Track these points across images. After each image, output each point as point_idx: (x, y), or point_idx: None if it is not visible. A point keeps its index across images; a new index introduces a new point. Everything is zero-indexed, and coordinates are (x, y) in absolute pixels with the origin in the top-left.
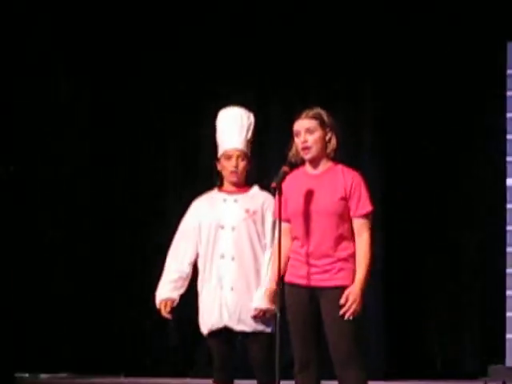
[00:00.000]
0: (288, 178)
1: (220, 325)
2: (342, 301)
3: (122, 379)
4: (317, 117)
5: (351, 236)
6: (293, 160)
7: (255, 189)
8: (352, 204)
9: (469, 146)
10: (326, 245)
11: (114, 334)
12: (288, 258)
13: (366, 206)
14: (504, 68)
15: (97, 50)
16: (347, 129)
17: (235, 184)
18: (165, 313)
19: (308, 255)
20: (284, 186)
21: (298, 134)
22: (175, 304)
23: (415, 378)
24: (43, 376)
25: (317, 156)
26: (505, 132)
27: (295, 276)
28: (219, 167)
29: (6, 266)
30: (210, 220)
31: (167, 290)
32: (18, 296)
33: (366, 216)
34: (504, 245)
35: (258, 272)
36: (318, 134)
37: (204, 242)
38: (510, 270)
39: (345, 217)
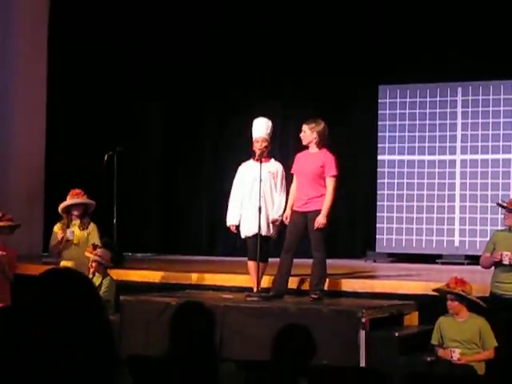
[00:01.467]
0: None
1: (255, 230)
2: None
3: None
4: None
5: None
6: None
7: (272, 160)
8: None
9: None
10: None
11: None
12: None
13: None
14: None
15: None
16: None
17: (261, 156)
18: (233, 230)
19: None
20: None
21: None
22: (237, 223)
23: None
24: (138, 255)
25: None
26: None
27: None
28: (253, 147)
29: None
30: (249, 176)
31: (233, 217)
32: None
33: (333, 176)
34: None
35: (273, 203)
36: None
37: (247, 188)
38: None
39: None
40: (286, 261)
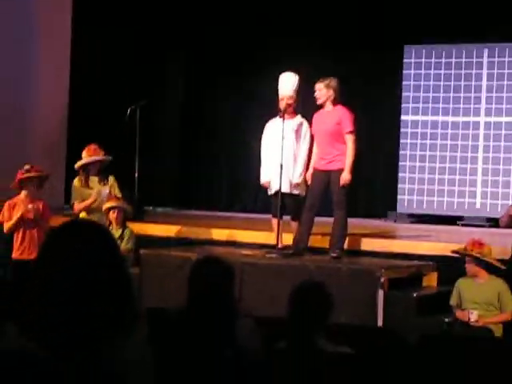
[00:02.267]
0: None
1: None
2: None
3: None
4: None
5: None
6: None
7: (298, 116)
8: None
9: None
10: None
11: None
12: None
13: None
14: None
15: None
16: None
17: (284, 113)
18: (266, 186)
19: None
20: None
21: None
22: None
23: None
24: (159, 209)
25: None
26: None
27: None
28: (279, 104)
29: None
30: (274, 133)
31: (265, 174)
32: None
33: (350, 132)
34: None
35: (295, 157)
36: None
37: (272, 145)
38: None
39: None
40: (307, 218)
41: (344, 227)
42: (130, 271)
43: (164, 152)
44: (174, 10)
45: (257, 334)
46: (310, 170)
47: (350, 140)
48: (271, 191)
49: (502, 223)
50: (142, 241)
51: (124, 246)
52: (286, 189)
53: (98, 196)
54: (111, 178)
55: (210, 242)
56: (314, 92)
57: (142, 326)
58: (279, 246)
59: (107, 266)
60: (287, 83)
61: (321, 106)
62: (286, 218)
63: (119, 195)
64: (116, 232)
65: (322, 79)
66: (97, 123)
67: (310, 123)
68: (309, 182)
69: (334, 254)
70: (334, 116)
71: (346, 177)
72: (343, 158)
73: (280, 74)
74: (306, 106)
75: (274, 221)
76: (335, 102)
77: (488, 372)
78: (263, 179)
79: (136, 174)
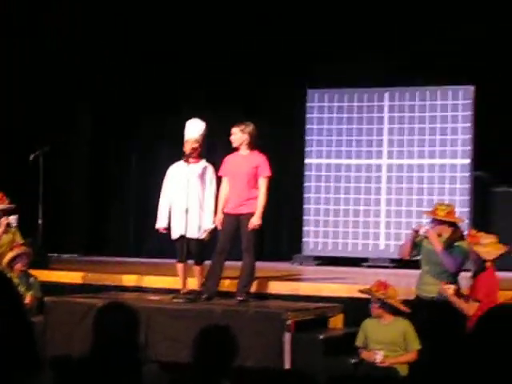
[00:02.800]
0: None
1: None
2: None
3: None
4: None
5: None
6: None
7: (203, 161)
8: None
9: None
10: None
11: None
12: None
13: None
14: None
15: None
16: None
17: (188, 157)
18: (162, 231)
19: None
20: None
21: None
22: (166, 226)
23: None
24: (64, 255)
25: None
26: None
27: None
28: (184, 148)
29: None
30: (178, 177)
31: (161, 220)
32: None
33: (266, 177)
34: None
35: (202, 205)
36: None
37: (175, 190)
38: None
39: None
40: (217, 263)
41: (251, 272)
42: (30, 319)
43: (70, 198)
44: (77, 57)
45: (162, 378)
46: (219, 215)
47: (263, 185)
48: (175, 236)
49: (403, 250)
50: (47, 288)
51: (33, 294)
52: (191, 234)
53: (6, 221)
54: (13, 218)
55: (117, 288)
56: (230, 136)
57: (45, 374)
58: (185, 290)
59: (6, 314)
60: (193, 128)
61: (236, 149)
62: (191, 262)
63: (21, 241)
64: (21, 280)
65: (238, 124)
66: None
67: (217, 167)
68: (219, 227)
69: (241, 298)
70: (250, 160)
71: (255, 221)
72: (254, 203)
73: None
74: (210, 151)
75: (179, 265)
76: (251, 147)
77: None
78: (159, 224)
79: (40, 221)
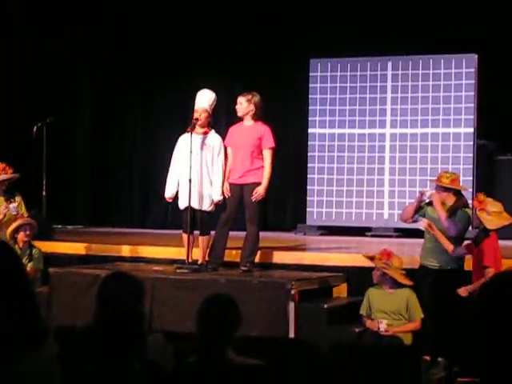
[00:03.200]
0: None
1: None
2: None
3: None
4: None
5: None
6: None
7: (212, 132)
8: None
9: None
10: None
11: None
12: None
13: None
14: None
15: None
16: None
17: (193, 127)
18: (168, 201)
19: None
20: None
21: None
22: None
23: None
24: (69, 227)
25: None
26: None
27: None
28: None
29: None
30: (186, 147)
31: (168, 189)
32: None
33: (270, 149)
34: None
35: (210, 177)
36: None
37: (183, 160)
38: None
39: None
40: (222, 233)
41: (255, 242)
42: (35, 290)
43: (73, 169)
44: (83, 30)
45: (167, 348)
46: (226, 185)
47: (269, 156)
48: (181, 206)
49: (405, 213)
50: (52, 259)
51: (34, 265)
52: (197, 205)
53: (6, 211)
54: (18, 198)
55: (121, 258)
56: (235, 105)
57: (50, 344)
58: (189, 260)
59: (11, 284)
60: (203, 97)
61: (240, 120)
62: (196, 232)
63: (26, 214)
64: (25, 251)
65: (245, 93)
66: (2, 141)
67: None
68: (226, 196)
69: (245, 268)
70: (254, 131)
71: (261, 191)
72: (258, 173)
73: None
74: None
75: (185, 236)
76: (255, 118)
77: (397, 380)
78: (166, 194)
79: (44, 192)
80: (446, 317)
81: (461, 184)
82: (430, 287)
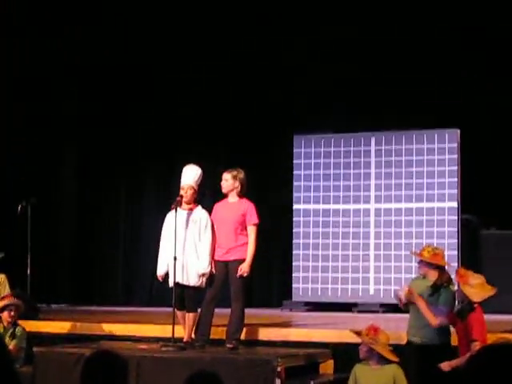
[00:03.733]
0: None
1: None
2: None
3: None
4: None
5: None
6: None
7: (199, 208)
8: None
9: None
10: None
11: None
12: None
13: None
14: None
15: None
16: None
17: (178, 204)
18: (160, 279)
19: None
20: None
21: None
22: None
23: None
24: (53, 306)
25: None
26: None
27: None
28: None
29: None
30: (173, 224)
31: (160, 267)
32: None
33: (254, 225)
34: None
35: (198, 253)
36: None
37: (170, 237)
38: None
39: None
40: (208, 310)
41: (241, 318)
42: (17, 370)
43: (58, 248)
44: (66, 107)
45: None
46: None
47: (253, 232)
48: (170, 283)
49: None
50: (36, 339)
51: (17, 343)
52: (184, 280)
53: None
54: (2, 276)
55: (106, 337)
56: (220, 181)
57: None
58: (187, 338)
59: None
60: (189, 173)
61: (225, 196)
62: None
63: (9, 292)
64: (8, 329)
65: (231, 170)
66: None
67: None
68: (214, 272)
69: (231, 345)
70: (239, 207)
71: (245, 268)
72: (242, 249)
73: (178, 164)
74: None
75: (178, 313)
76: (240, 194)
77: None
78: (158, 272)
79: (28, 271)
80: None
81: (445, 259)
82: (416, 364)
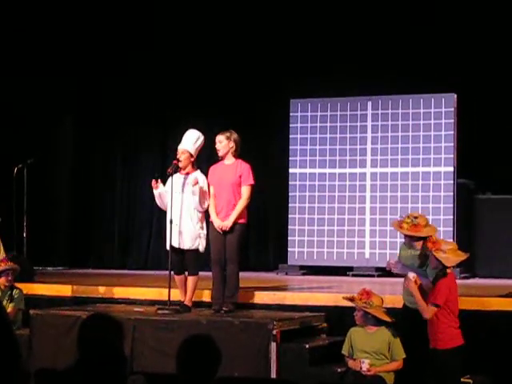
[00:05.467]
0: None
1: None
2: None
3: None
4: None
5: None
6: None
7: (198, 172)
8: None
9: None
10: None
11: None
12: None
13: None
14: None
15: None
16: None
17: (173, 168)
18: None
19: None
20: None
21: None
22: None
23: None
24: (49, 268)
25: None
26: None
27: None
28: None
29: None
30: (173, 186)
31: None
32: None
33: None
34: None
35: (192, 216)
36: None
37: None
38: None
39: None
40: (216, 273)
41: (236, 281)
42: (14, 331)
43: (54, 211)
44: (65, 69)
45: None
46: (217, 222)
47: (246, 192)
48: (167, 246)
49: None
50: (33, 301)
51: (15, 306)
52: (182, 244)
53: None
54: None
55: (102, 300)
56: (215, 144)
57: None
58: (184, 300)
59: None
60: (188, 138)
61: (220, 159)
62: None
63: (4, 255)
64: (5, 292)
65: (223, 132)
66: None
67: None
68: (224, 229)
69: (226, 308)
70: (235, 169)
71: (226, 223)
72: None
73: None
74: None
75: (177, 277)
76: (235, 155)
77: None
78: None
79: (24, 234)
80: (427, 357)
81: (428, 226)
82: (412, 327)
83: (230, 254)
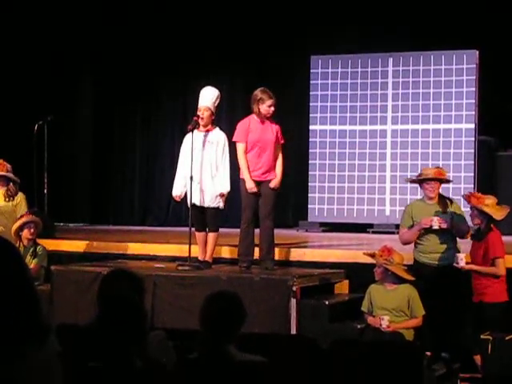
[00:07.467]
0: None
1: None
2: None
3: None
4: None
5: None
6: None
7: (217, 129)
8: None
9: None
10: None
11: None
12: None
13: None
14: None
15: None
16: None
17: (194, 125)
18: (176, 200)
19: None
20: None
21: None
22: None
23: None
24: (70, 225)
25: None
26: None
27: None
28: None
29: None
30: (190, 142)
31: (176, 188)
32: None
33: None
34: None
35: (214, 174)
36: None
37: (188, 158)
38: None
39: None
40: (248, 231)
41: (273, 237)
42: (36, 287)
43: (75, 168)
44: (84, 26)
45: (168, 345)
46: (250, 183)
47: (281, 151)
48: (188, 204)
49: (408, 239)
50: (54, 257)
51: (38, 262)
52: (203, 202)
53: None
54: (20, 196)
55: (123, 256)
56: (270, 107)
57: (52, 341)
58: (202, 258)
59: (12, 281)
60: (206, 95)
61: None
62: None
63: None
64: (28, 248)
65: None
66: (3, 139)
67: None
68: (253, 191)
69: (269, 266)
70: (272, 128)
71: (278, 183)
72: (274, 170)
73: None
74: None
75: (198, 234)
76: None
77: (399, 376)
78: (174, 192)
79: (45, 190)
80: (444, 313)
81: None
82: (425, 283)
83: (269, 209)
